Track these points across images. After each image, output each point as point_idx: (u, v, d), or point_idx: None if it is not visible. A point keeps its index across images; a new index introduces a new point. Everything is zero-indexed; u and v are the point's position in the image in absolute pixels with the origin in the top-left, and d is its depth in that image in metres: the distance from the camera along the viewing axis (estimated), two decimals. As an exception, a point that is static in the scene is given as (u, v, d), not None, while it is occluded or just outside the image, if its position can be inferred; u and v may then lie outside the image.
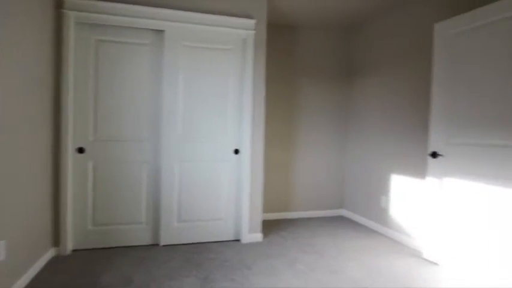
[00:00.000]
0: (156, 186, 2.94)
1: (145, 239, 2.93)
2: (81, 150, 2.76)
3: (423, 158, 2.93)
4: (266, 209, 3.90)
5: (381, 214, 3.47)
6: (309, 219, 3.96)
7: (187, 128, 2.96)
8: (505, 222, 2.16)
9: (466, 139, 2.45)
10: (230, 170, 3.08)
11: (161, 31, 2.89)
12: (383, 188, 3.44)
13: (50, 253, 2.58)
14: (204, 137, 3.00)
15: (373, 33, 3.63)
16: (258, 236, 3.12)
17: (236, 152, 3.07)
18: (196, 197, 3.01)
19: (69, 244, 2.72)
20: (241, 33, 3.01)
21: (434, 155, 2.67)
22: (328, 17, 3.65)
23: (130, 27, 2.81)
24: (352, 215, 3.96)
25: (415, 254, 2.87)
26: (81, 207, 2.77)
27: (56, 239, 2.66)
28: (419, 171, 2.97)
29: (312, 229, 3.53)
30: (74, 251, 2.76)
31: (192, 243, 3.00)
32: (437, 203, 2.65)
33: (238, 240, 3.11)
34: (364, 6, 3.32)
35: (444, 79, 2.62)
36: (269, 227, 3.59)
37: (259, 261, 2.62)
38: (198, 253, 2.78)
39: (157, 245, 2.94)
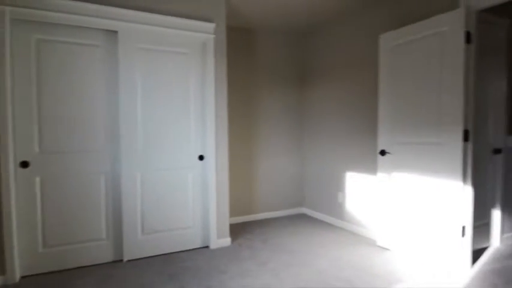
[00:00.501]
0: (117, 198, 2.75)
1: (106, 256, 2.73)
2: (25, 164, 2.46)
3: (374, 156, 3.23)
4: (231, 213, 3.90)
5: (338, 209, 3.73)
6: (273, 219, 4.07)
7: (148, 135, 2.82)
8: (434, 205, 2.51)
9: (406, 138, 2.77)
10: (195, 177, 3.03)
11: (114, 32, 2.71)
12: (339, 185, 3.70)
13: (-5, 284, 2.26)
14: (167, 144, 2.90)
15: (327, 39, 3.87)
16: (226, 241, 3.12)
17: (201, 158, 3.02)
18: (161, 206, 2.89)
19: (18, 271, 2.40)
20: (201, 37, 2.97)
21: (382, 152, 2.96)
22: (285, 22, 3.78)
23: (79, 27, 2.59)
24: (312, 212, 4.17)
25: (371, 243, 3.15)
26: (29, 228, 2.47)
27: (1, 266, 2.33)
28: (371, 168, 3.27)
29: (278, 229, 3.64)
30: (24, 277, 2.45)
31: (160, 255, 2.88)
32: (387, 195, 2.96)
33: (207, 247, 3.07)
34: (318, 14, 3.52)
35: (388, 86, 2.92)
36: (236, 230, 3.61)
37: (233, 265, 2.64)
38: (168, 264, 2.68)
39: (120, 261, 2.76)
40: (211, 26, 2.98)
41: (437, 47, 2.53)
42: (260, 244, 3.14)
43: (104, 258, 2.72)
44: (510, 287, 2.22)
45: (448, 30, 2.45)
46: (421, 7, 2.76)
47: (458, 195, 2.43)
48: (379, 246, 3.05)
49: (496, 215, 3.01)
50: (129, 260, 2.76)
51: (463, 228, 2.44)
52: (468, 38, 2.39)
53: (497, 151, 2.96)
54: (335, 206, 3.78)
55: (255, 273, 2.49)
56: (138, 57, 2.77)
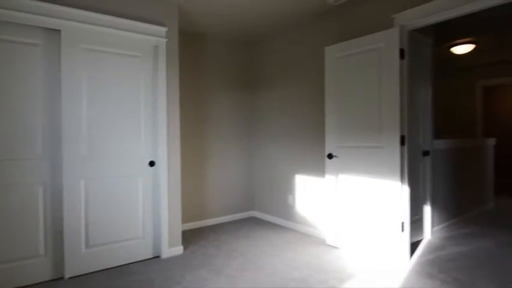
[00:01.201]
0: (57, 209, 2.52)
1: (44, 274, 2.47)
2: None
3: (322, 159, 3.42)
4: (184, 219, 3.80)
5: (289, 211, 3.86)
6: (226, 223, 4.05)
7: (94, 140, 2.65)
8: (377, 204, 2.75)
9: (352, 142, 2.99)
10: (146, 184, 2.90)
11: (56, 30, 2.51)
12: (290, 188, 3.84)
13: None
14: (115, 150, 2.74)
15: (277, 47, 4.02)
16: (179, 249, 3.03)
17: (151, 164, 2.91)
18: (108, 216, 2.71)
19: None
20: (152, 40, 2.89)
21: (330, 156, 3.16)
22: (236, 30, 3.84)
23: (17, 24, 2.35)
24: (263, 215, 4.25)
25: (321, 242, 3.32)
26: None
27: None
28: (320, 170, 3.45)
29: (231, 233, 3.64)
30: None
31: (107, 269, 2.69)
32: (335, 196, 3.15)
33: (158, 257, 2.95)
34: (267, 25, 3.65)
35: (333, 94, 3.13)
36: (189, 237, 3.52)
37: (187, 275, 2.57)
38: (118, 278, 2.52)
39: (61, 278, 2.52)
40: (163, 29, 2.91)
41: (376, 61, 2.79)
42: (214, 250, 3.11)
43: (41, 277, 2.46)
44: (443, 275, 2.51)
45: (384, 46, 2.73)
46: (362, 23, 3.02)
47: (397, 194, 2.68)
48: (328, 245, 3.22)
49: (427, 210, 3.38)
50: (71, 277, 2.54)
51: (402, 224, 2.70)
52: (402, 54, 2.68)
53: (426, 153, 3.34)
54: (286, 208, 3.90)
55: (210, 281, 2.46)
56: (83, 58, 2.59)
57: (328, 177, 3.21)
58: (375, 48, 2.80)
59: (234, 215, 4.26)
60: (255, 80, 4.34)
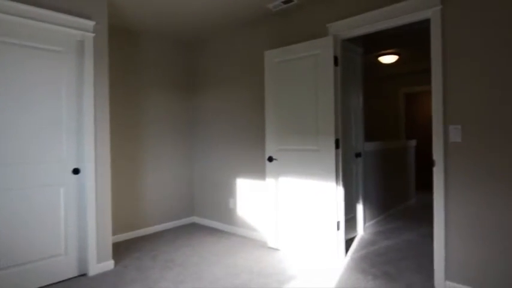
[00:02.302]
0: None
1: None
2: None
3: (263, 162, 3.43)
4: (116, 230, 3.49)
5: (230, 215, 3.80)
6: (164, 232, 3.83)
7: (4, 147, 2.28)
8: (314, 205, 2.85)
9: (291, 146, 3.05)
10: (69, 194, 2.59)
11: (-50, 16, 2.11)
12: (231, 192, 3.78)
13: None
14: (31, 157, 2.40)
15: (218, 49, 3.93)
16: (109, 264, 2.77)
17: (76, 171, 2.61)
18: (22, 233, 2.36)
19: None
20: (77, 34, 2.60)
21: (270, 159, 3.18)
22: (174, 28, 3.67)
23: None
24: (204, 221, 4.12)
25: (263, 245, 3.31)
26: None
27: None
28: (261, 173, 3.46)
29: (168, 242, 3.44)
30: None
31: (19, 294, 2.33)
32: (274, 199, 3.18)
33: (84, 275, 2.65)
34: (207, 24, 3.54)
35: (273, 98, 3.16)
36: (121, 250, 3.24)
37: (119, 292, 2.35)
38: (32, 304, 2.19)
39: (-42, 311, 2.12)
40: (90, 23, 2.64)
41: (312, 67, 2.88)
42: (149, 262, 2.91)
43: None
44: (374, 269, 2.67)
45: (320, 53, 2.83)
46: (300, 30, 3.10)
47: (333, 195, 2.79)
48: (270, 248, 3.23)
49: (360, 208, 3.59)
50: (-28, 309, 2.14)
51: (338, 223, 2.82)
52: (336, 61, 2.80)
53: (358, 155, 3.55)
54: (227, 212, 3.83)
55: (145, 295, 2.28)
56: (-14, 49, 2.22)
57: (269, 180, 3.22)
58: (311, 55, 2.88)
59: (173, 222, 4.06)
60: (196, 81, 4.20)
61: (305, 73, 2.92)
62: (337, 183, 2.82)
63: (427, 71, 6.38)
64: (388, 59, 5.35)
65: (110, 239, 2.79)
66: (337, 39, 2.81)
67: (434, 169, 2.34)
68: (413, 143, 5.23)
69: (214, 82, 3.94)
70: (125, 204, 3.60)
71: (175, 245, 3.37)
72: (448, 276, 2.27)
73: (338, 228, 2.82)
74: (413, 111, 8.20)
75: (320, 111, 2.84)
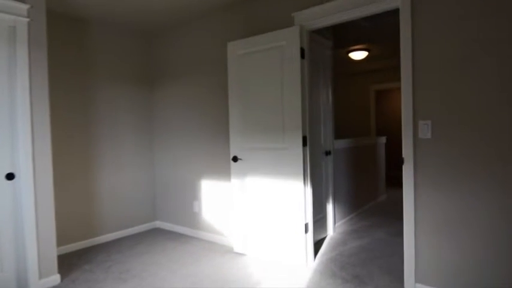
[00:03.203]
0: None
1: None
2: None
3: (229, 161, 3.22)
4: (65, 240, 3.15)
5: (195, 219, 3.56)
6: (122, 239, 3.53)
7: None
8: (282, 206, 2.69)
9: (256, 144, 2.85)
10: (2, 203, 2.26)
11: None
12: (195, 194, 3.54)
13: None
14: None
15: (180, 41, 3.66)
16: (54, 279, 2.46)
17: (9, 177, 2.28)
18: None
19: None
20: (7, 19, 2.26)
21: (235, 159, 2.97)
22: (131, 16, 3.36)
23: None
24: (167, 225, 3.85)
25: (228, 250, 3.11)
26: None
27: None
28: (227, 174, 3.24)
29: (126, 251, 3.16)
30: None
31: None
32: (240, 200, 2.98)
33: (22, 294, 2.34)
34: (167, 13, 3.27)
35: (237, 93, 2.95)
36: (71, 262, 2.92)
37: (60, 313, 2.07)
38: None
39: None
40: (23, 6, 2.30)
41: (278, 60, 2.70)
42: (101, 274, 2.62)
43: None
44: (344, 273, 2.54)
45: (286, 45, 2.65)
46: (265, 20, 2.91)
47: (301, 195, 2.63)
48: (236, 253, 3.03)
49: (330, 208, 3.47)
50: None
51: (306, 225, 2.67)
52: (302, 53, 2.63)
53: (328, 153, 3.42)
54: (191, 216, 3.59)
55: (91, 315, 2.01)
56: None
57: (234, 181, 3.02)
58: (276, 46, 2.70)
59: (134, 228, 3.76)
60: (157, 76, 3.90)
61: (270, 66, 2.74)
62: (305, 183, 2.66)
63: (397, 68, 6.43)
64: (358, 55, 5.29)
65: (54, 251, 2.48)
66: (303, 30, 2.65)
67: (404, 167, 2.23)
68: (383, 139, 5.21)
69: (176, 76, 3.67)
70: (76, 211, 3.27)
71: (133, 253, 3.09)
72: (418, 279, 2.17)
73: (306, 231, 2.67)
74: (384, 108, 8.29)
75: (286, 107, 2.67)
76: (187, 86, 3.56)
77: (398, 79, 6.38)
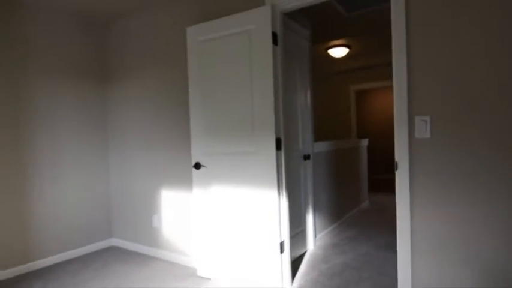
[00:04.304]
0: None
1: None
2: None
3: (191, 169, 2.74)
4: (-15, 268, 2.57)
5: (154, 236, 3.05)
6: (69, 261, 2.97)
7: None
8: (252, 222, 2.25)
9: (222, 148, 2.40)
10: None
11: None
12: (155, 207, 3.03)
13: None
14: None
15: (136, 30, 3.15)
16: (-45, 327, 1.90)
17: None
18: None
19: None
20: None
21: (197, 165, 2.50)
22: (77, 1, 2.83)
23: None
24: (124, 243, 3.31)
25: (191, 273, 2.63)
26: None
27: None
28: (190, 183, 2.77)
29: (68, 278, 2.61)
30: None
31: None
32: (204, 215, 2.52)
33: None
34: (113, 1, 2.77)
35: (199, 88, 2.50)
36: (-11, 297, 2.35)
37: None
38: None
39: None
40: None
41: (246, 47, 2.27)
42: (27, 315, 2.09)
43: None
44: (324, 302, 2.12)
45: (255, 29, 2.23)
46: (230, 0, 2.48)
47: (275, 209, 2.20)
48: (199, 277, 2.56)
49: (310, 220, 3.06)
50: None
51: (281, 244, 2.23)
52: (275, 38, 2.22)
53: (306, 157, 3.02)
54: (150, 232, 3.08)
55: None
56: None
57: (196, 192, 2.55)
58: (244, 31, 2.27)
59: (85, 248, 3.20)
60: (111, 70, 3.37)
61: (237, 55, 2.31)
62: (280, 193, 2.24)
63: (378, 66, 6.17)
64: (338, 52, 4.97)
65: (-42, 289, 1.92)
66: (276, 11, 2.24)
67: (397, 174, 1.85)
68: (365, 142, 4.89)
69: (132, 71, 3.17)
70: (6, 233, 2.69)
71: (77, 281, 2.56)
72: (416, 310, 1.79)
73: (282, 251, 2.24)
74: (364, 109, 8.06)
75: (257, 103, 2.24)
76: (145, 83, 3.06)
77: (380, 78, 6.13)
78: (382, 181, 7.39)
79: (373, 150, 7.93)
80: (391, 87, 7.58)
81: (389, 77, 6.00)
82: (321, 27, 3.92)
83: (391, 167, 7.70)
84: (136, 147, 3.15)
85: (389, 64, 6.00)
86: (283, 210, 2.26)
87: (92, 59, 3.32)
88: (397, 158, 1.85)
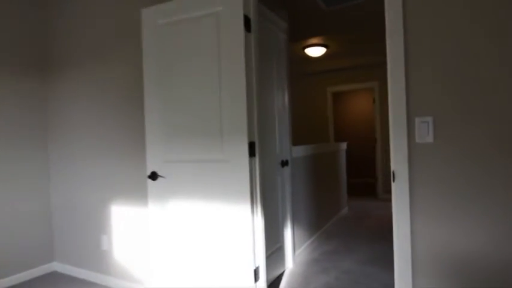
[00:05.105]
0: None
1: None
2: None
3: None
4: None
5: (103, 260, 2.56)
6: (-12, 297, 2.42)
7: None
8: (222, 244, 1.86)
9: (184, 155, 1.97)
10: None
11: None
12: (104, 225, 2.54)
13: None
14: None
15: (84, 12, 2.66)
16: None
17: None
18: None
19: None
20: None
21: (153, 176, 2.06)
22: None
23: None
24: (68, 268, 2.78)
25: (148, 306, 2.19)
26: None
27: None
28: (145, 197, 2.32)
29: (-15, 320, 2.08)
30: None
31: None
32: (162, 235, 2.08)
33: None
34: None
35: (156, 83, 2.07)
36: None
37: None
38: None
39: None
40: None
41: (213, 32, 1.88)
42: None
43: None
44: None
45: (223, 10, 1.85)
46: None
47: (248, 228, 1.82)
48: (158, 310, 2.12)
49: (288, 234, 2.70)
50: None
51: (256, 270, 1.85)
52: (248, 24, 1.85)
53: (284, 163, 2.67)
54: (99, 256, 2.58)
55: None
56: None
57: (153, 208, 2.11)
58: (210, 14, 1.89)
59: (19, 275, 2.64)
60: (52, 61, 2.84)
61: (202, 42, 1.91)
62: (254, 209, 1.86)
63: (355, 68, 5.99)
64: (315, 51, 4.70)
65: None
66: (248, -10, 1.87)
67: (394, 186, 1.53)
68: (344, 145, 4.64)
69: (78, 62, 2.67)
70: None
71: (-2, 323, 2.03)
72: None
73: (257, 279, 1.86)
74: (341, 112, 7.89)
75: (225, 101, 1.85)
76: (94, 77, 2.58)
77: (357, 80, 5.94)
78: (360, 185, 7.23)
79: (350, 153, 7.78)
80: (368, 90, 7.46)
81: (367, 79, 5.83)
82: (298, 21, 3.61)
83: (368, 170, 7.57)
84: (85, 155, 2.65)
85: (367, 66, 5.83)
86: (258, 229, 1.88)
87: (27, 48, 2.78)
88: (393, 167, 1.53)
